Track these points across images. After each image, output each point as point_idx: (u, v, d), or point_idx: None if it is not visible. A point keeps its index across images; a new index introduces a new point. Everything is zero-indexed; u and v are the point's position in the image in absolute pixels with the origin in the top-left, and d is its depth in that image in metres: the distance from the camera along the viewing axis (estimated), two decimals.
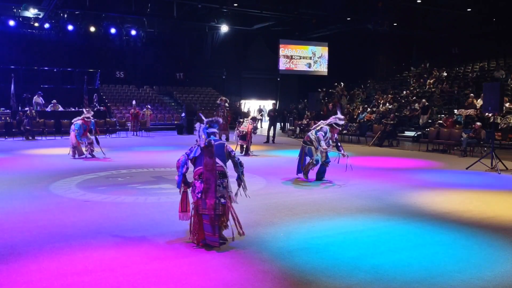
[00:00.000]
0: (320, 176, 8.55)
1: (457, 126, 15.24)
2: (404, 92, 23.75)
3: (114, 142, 16.56)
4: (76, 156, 11.77)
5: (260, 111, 24.28)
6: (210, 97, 29.83)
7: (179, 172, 4.81)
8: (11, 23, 22.87)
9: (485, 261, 4.36)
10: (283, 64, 30.35)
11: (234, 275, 3.94)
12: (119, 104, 25.77)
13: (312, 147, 8.34)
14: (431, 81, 23.52)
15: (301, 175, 8.71)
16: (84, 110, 13.13)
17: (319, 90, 25.68)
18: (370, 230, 5.38)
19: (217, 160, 4.78)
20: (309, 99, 19.44)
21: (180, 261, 4.28)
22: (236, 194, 5.05)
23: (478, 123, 13.76)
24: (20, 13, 23.48)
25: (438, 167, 11.05)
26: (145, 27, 25.92)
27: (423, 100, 19.92)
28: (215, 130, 5.12)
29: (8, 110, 19.72)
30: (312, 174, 8.67)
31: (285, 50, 30.30)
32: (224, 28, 26.32)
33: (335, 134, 8.60)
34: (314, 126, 8.87)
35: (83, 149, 11.90)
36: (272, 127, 17.52)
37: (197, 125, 5.17)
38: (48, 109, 20.54)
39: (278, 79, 32.24)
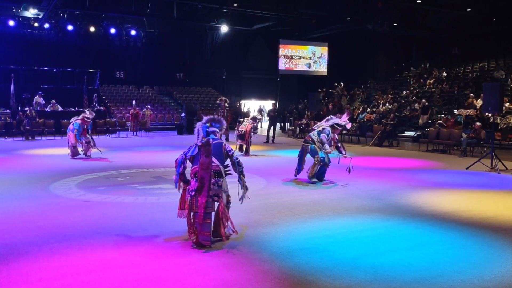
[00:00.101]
0: (320, 177, 8.53)
1: (457, 126, 15.24)
2: (404, 92, 23.76)
3: (114, 142, 16.57)
4: (80, 155, 11.76)
5: (260, 111, 24.27)
6: (210, 97, 29.82)
7: (177, 171, 4.89)
8: (11, 23, 22.85)
9: (485, 261, 4.36)
10: (283, 64, 30.36)
11: (234, 275, 3.94)
12: (119, 104, 25.77)
13: (315, 145, 8.27)
14: (431, 81, 23.52)
15: (300, 177, 8.66)
16: (86, 110, 13.11)
17: (319, 90, 25.69)
18: (370, 230, 5.38)
19: (214, 159, 4.78)
20: (309, 99, 19.46)
21: (180, 261, 4.28)
22: (242, 196, 5.06)
23: (478, 123, 13.77)
24: (20, 13, 23.45)
25: (438, 167, 11.05)
26: (145, 27, 25.92)
27: (423, 100, 19.93)
28: (215, 129, 5.10)
29: (8, 110, 19.71)
30: (304, 169, 8.63)
31: (285, 50, 30.31)
32: (224, 28, 26.32)
33: (336, 135, 8.59)
34: (315, 127, 8.82)
35: (79, 149, 11.87)
36: (272, 127, 17.52)
37: (198, 123, 5.17)
38: (48, 109, 20.53)
39: (278, 79, 32.24)
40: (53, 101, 20.73)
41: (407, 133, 18.89)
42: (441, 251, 4.65)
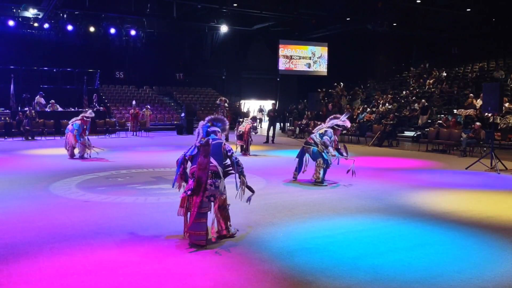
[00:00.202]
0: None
1: (457, 126, 15.25)
2: (404, 92, 23.77)
3: (114, 142, 16.56)
4: (76, 156, 11.74)
5: (260, 110, 24.31)
6: (210, 97, 29.82)
7: (176, 171, 4.93)
8: (11, 23, 22.86)
9: (484, 261, 4.36)
10: (282, 64, 30.36)
11: (234, 275, 3.95)
12: (118, 105, 25.77)
13: (317, 148, 8.24)
14: (431, 81, 23.54)
15: (299, 178, 8.60)
16: (87, 110, 13.06)
17: (319, 90, 25.69)
18: (369, 230, 5.38)
19: (212, 159, 4.76)
20: (309, 99, 19.47)
21: (180, 261, 4.28)
22: (249, 198, 5.06)
23: (478, 123, 13.78)
24: (19, 13, 23.45)
25: (438, 167, 11.06)
26: (145, 27, 25.93)
27: (423, 100, 19.95)
28: (216, 128, 5.09)
29: (7, 111, 19.72)
30: (310, 175, 8.61)
31: (284, 50, 30.31)
32: (224, 28, 26.32)
33: (335, 136, 8.57)
34: (316, 129, 8.76)
35: (76, 150, 11.83)
36: (271, 127, 17.53)
37: (200, 122, 5.16)
38: (47, 109, 20.54)
39: (278, 79, 32.25)
40: (52, 101, 20.74)
41: (407, 133, 18.91)
42: (441, 251, 4.65)
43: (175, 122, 24.63)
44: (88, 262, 4.20)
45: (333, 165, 8.48)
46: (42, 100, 20.77)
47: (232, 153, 4.98)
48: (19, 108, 19.83)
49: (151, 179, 8.81)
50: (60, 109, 20.93)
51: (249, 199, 5.07)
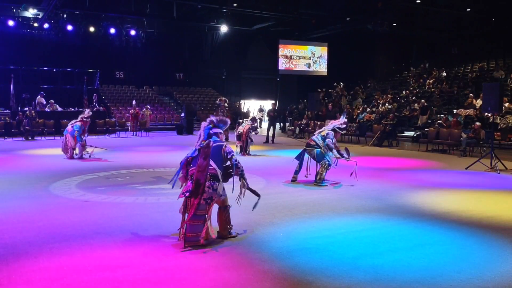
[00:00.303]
0: None
1: (457, 126, 15.26)
2: (404, 92, 23.78)
3: (114, 142, 16.56)
4: (75, 157, 11.73)
5: (261, 110, 24.30)
6: (210, 97, 29.83)
7: (177, 172, 4.96)
8: (11, 23, 22.85)
9: (484, 261, 4.36)
10: (282, 64, 30.37)
11: (234, 275, 3.95)
12: (118, 104, 25.78)
13: (321, 149, 8.23)
14: (431, 81, 23.54)
15: (299, 178, 8.59)
16: (85, 111, 13.06)
17: (319, 90, 25.69)
18: (369, 230, 5.38)
19: (211, 162, 4.75)
20: (309, 99, 19.46)
21: (180, 261, 4.28)
22: (256, 204, 5.05)
23: (478, 123, 13.78)
24: (19, 13, 23.44)
25: (438, 167, 11.06)
26: (145, 28, 25.92)
27: (423, 100, 19.95)
28: (219, 130, 5.07)
29: (7, 111, 19.73)
30: (311, 175, 8.62)
31: (284, 50, 30.32)
32: (224, 28, 26.32)
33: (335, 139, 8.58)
34: (318, 131, 8.76)
35: (75, 151, 11.81)
36: (271, 127, 17.54)
37: (202, 123, 5.15)
38: (47, 109, 20.54)
39: (278, 79, 32.26)
40: (52, 101, 20.75)
41: (407, 133, 18.91)
42: (441, 251, 4.65)
43: (175, 122, 24.64)
44: (88, 262, 4.19)
45: (333, 166, 8.49)
46: (43, 100, 20.77)
47: (232, 155, 4.92)
48: (19, 108, 19.84)
49: (151, 179, 8.81)
50: (59, 109, 20.93)
51: (255, 206, 5.05)
